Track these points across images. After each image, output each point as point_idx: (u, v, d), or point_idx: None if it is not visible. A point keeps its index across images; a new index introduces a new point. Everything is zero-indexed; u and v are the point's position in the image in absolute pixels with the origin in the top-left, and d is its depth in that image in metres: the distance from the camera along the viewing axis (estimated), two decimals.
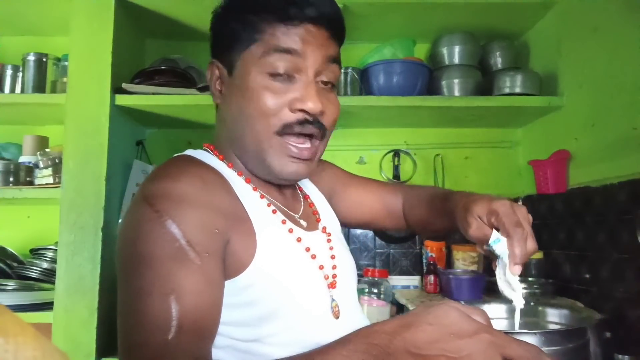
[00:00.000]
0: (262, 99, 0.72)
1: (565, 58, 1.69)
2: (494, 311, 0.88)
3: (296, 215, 0.83)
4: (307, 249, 0.78)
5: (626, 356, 1.26)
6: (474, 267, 1.77)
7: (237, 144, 0.78)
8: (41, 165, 1.65)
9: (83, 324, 1.46)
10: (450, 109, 1.73)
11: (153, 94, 1.63)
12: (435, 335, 0.51)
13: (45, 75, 1.72)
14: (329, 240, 0.85)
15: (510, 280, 0.74)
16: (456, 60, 1.80)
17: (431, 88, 1.80)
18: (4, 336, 0.34)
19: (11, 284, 1.60)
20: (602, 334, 1.34)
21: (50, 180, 1.62)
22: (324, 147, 0.81)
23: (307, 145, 0.76)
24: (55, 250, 1.56)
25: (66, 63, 1.64)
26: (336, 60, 0.78)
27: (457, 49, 1.81)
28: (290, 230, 0.77)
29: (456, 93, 1.75)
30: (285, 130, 0.73)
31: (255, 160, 0.77)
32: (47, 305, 1.50)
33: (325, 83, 0.77)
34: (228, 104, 0.78)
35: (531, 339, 0.65)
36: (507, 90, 1.72)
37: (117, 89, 1.61)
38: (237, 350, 0.69)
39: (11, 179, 1.64)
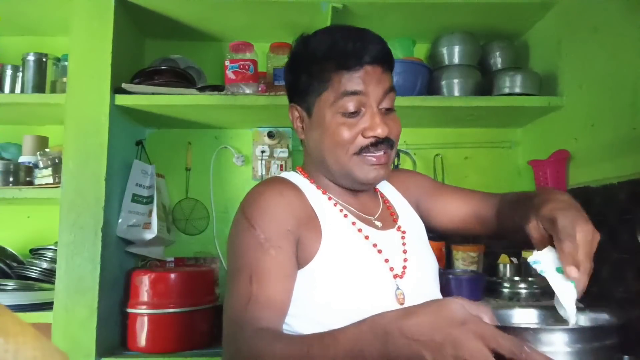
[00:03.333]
0: (340, 134, 0.89)
1: (565, 58, 1.69)
2: (528, 316, 0.85)
3: (372, 217, 0.97)
4: (374, 245, 0.90)
5: (626, 356, 1.26)
6: (473, 267, 1.77)
7: (321, 166, 0.96)
8: (41, 165, 1.65)
9: (83, 324, 1.46)
10: (450, 109, 1.73)
11: (153, 94, 1.63)
12: (429, 324, 0.56)
13: (45, 75, 1.72)
14: (403, 238, 0.96)
15: (559, 296, 0.71)
16: (456, 60, 1.80)
17: (431, 88, 1.80)
18: (4, 336, 0.34)
19: (11, 284, 1.60)
20: None
21: (50, 180, 1.62)
22: (395, 153, 0.96)
23: (382, 153, 0.91)
24: (55, 250, 1.55)
25: (66, 63, 1.64)
26: (392, 88, 0.94)
27: (456, 49, 1.81)
28: (360, 230, 0.91)
29: (456, 93, 1.75)
30: (362, 151, 0.90)
31: (341, 176, 0.94)
32: (47, 305, 1.50)
33: (387, 109, 0.93)
34: (310, 138, 0.96)
35: (560, 336, 0.64)
36: (506, 90, 1.72)
37: (117, 89, 1.61)
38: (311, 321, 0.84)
39: (11, 179, 1.64)
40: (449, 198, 1.07)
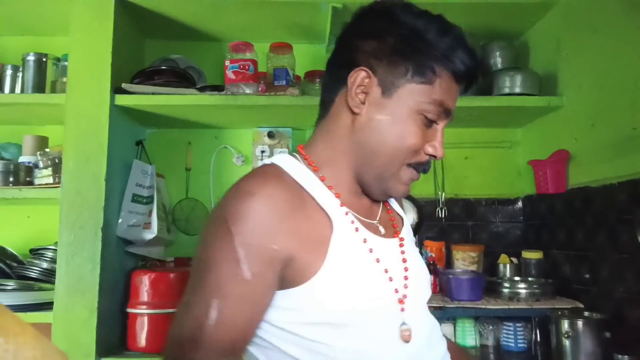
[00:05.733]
0: (411, 137, 0.77)
1: (565, 58, 1.69)
2: None
3: (374, 221, 0.84)
4: (386, 271, 0.77)
5: (626, 356, 1.26)
6: (473, 267, 1.77)
7: (353, 160, 0.80)
8: (41, 165, 1.65)
9: (83, 324, 1.46)
10: None
11: (153, 94, 1.63)
12: None
13: (45, 75, 1.72)
14: (401, 245, 0.85)
15: None
16: None
17: None
18: (4, 336, 0.34)
19: (11, 284, 1.60)
20: (602, 334, 1.34)
21: (50, 180, 1.62)
22: None
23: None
24: (55, 250, 1.56)
25: (66, 63, 1.64)
26: None
27: None
28: (370, 250, 0.77)
29: None
30: (415, 166, 0.80)
31: (370, 180, 0.80)
32: (47, 305, 1.50)
33: None
34: (369, 119, 0.78)
35: None
36: (507, 90, 1.72)
37: (117, 89, 1.61)
38: (301, 348, 0.72)
39: (11, 179, 1.64)
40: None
